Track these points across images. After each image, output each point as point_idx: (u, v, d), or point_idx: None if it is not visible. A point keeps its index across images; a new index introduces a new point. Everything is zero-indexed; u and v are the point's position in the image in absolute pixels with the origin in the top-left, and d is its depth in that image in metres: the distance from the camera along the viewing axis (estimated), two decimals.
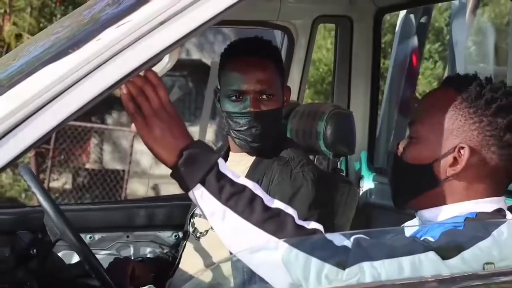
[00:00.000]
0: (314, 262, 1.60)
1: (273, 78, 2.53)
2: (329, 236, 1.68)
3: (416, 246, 1.66)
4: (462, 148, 1.82)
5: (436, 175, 1.87)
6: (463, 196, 1.86)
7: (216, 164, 1.67)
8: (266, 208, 1.66)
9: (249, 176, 2.52)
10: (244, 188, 1.67)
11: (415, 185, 1.92)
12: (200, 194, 1.66)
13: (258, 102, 2.49)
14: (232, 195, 1.65)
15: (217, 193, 1.65)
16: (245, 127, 2.49)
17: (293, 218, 1.68)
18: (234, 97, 2.51)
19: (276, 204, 1.69)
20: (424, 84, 11.69)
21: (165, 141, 1.67)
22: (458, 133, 1.84)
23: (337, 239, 1.67)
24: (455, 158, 1.84)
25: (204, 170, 1.65)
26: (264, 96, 2.50)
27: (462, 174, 1.84)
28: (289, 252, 1.62)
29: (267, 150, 2.55)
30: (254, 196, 1.67)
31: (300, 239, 1.64)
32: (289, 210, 1.70)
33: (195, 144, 1.68)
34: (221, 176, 1.66)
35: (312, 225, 1.71)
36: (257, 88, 2.49)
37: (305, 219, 2.36)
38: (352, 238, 1.66)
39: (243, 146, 2.55)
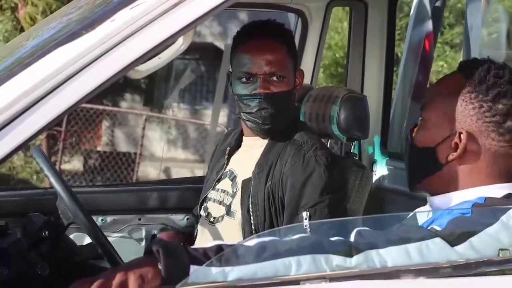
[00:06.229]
0: (323, 258, 1.59)
1: (284, 60, 2.51)
2: (317, 234, 1.66)
3: (422, 233, 1.66)
4: (461, 133, 1.82)
5: (439, 159, 1.87)
6: (468, 181, 1.85)
7: (185, 249, 1.60)
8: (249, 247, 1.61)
9: (262, 160, 2.52)
10: (218, 246, 1.63)
11: (422, 167, 1.94)
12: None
13: (268, 84, 2.48)
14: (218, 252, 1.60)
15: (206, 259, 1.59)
16: (255, 109, 2.48)
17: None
18: (244, 79, 2.50)
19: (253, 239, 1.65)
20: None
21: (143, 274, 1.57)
22: (459, 118, 1.83)
23: (326, 234, 1.66)
24: (456, 143, 1.84)
25: (186, 263, 1.57)
26: (275, 78, 2.49)
27: (463, 159, 1.84)
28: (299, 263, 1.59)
29: (280, 132, 2.54)
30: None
31: (295, 246, 1.60)
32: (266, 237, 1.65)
33: (160, 254, 1.59)
34: (196, 250, 1.61)
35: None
36: (267, 69, 2.47)
37: (317, 203, 2.38)
38: (355, 230, 1.65)
39: (254, 129, 2.54)
